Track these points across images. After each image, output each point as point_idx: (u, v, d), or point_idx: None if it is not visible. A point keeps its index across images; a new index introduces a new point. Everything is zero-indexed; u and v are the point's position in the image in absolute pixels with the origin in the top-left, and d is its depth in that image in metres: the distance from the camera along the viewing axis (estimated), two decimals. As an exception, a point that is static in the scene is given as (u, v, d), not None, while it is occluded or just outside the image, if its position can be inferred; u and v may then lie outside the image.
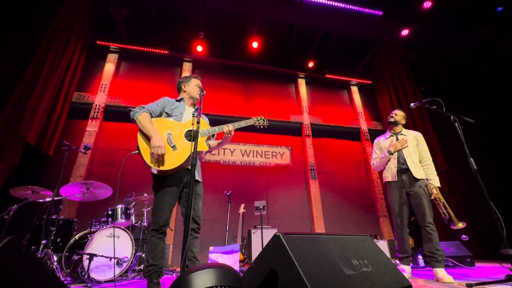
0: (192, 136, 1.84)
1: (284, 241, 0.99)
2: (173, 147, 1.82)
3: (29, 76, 4.03)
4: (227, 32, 6.22)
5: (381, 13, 5.42)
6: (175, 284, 0.91)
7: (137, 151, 1.83)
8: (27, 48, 4.31)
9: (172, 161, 1.79)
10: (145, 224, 3.54)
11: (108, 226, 2.96)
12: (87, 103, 5.10)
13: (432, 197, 2.61)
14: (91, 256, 2.55)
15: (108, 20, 5.50)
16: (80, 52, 5.11)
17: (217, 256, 3.45)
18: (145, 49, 5.70)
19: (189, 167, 1.82)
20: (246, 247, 4.23)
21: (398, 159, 2.75)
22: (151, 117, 1.93)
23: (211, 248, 3.59)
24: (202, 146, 1.90)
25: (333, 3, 5.24)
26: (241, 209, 4.32)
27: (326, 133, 6.34)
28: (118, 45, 5.59)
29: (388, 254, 4.21)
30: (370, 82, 7.04)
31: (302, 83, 6.73)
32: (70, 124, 4.93)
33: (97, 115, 5.00)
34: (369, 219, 5.63)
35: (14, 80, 4.01)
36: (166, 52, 5.78)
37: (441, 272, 2.31)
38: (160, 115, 2.03)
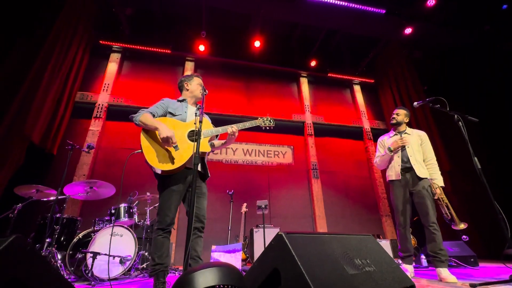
0: (194, 136, 1.85)
1: (286, 240, 0.99)
2: (176, 147, 1.82)
3: (33, 76, 4.06)
4: (229, 31, 6.22)
5: (384, 11, 5.38)
6: (178, 283, 0.92)
7: (140, 151, 1.84)
8: (31, 48, 4.34)
9: (174, 161, 1.79)
10: (148, 223, 3.55)
11: (111, 224, 2.98)
12: (90, 103, 5.13)
13: (436, 197, 2.59)
14: (95, 254, 2.57)
15: (111, 20, 5.53)
16: (83, 52, 5.14)
17: (219, 255, 3.46)
18: (148, 48, 5.72)
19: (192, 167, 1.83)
20: (248, 246, 4.24)
21: (401, 158, 2.73)
22: (154, 117, 1.93)
23: (213, 247, 3.60)
24: (205, 147, 1.89)
25: (336, 1, 5.21)
26: (243, 208, 4.32)
27: (328, 132, 6.32)
28: (121, 44, 5.61)
29: (390, 253, 4.19)
30: (373, 81, 7.00)
31: (304, 82, 6.71)
32: (74, 124, 4.97)
33: (100, 115, 5.03)
34: (371, 219, 5.61)
35: (18, 80, 4.05)
36: (169, 51, 5.79)
37: (444, 272, 2.30)
38: (163, 116, 2.02)
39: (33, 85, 4.01)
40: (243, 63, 6.31)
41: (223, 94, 6.00)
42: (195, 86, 2.20)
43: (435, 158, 2.74)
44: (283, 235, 1.01)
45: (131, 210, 3.26)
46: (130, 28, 5.67)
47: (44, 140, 4.23)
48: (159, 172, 1.79)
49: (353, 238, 1.27)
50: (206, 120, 2.06)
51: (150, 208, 3.70)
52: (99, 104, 5.11)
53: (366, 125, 6.49)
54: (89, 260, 2.56)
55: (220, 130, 2.00)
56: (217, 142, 2.20)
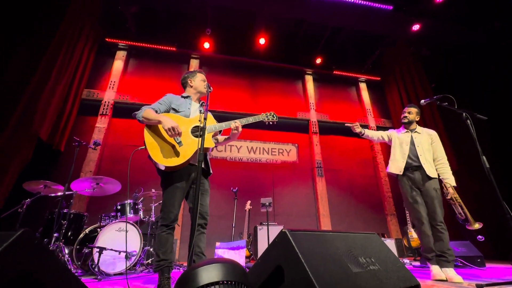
0: (199, 132, 1.85)
1: (290, 238, 0.99)
2: (179, 143, 1.83)
3: (40, 73, 4.12)
4: (234, 29, 6.20)
5: (391, 7, 5.29)
6: (182, 278, 0.92)
7: (143, 147, 1.85)
8: (38, 46, 4.39)
9: (178, 157, 1.80)
10: (153, 219, 3.59)
11: (117, 220, 3.02)
12: (96, 100, 5.18)
13: (448, 197, 2.55)
14: (101, 249, 2.61)
15: (117, 18, 5.56)
16: (89, 50, 5.19)
17: (223, 252, 3.48)
18: (153, 46, 5.75)
19: (196, 163, 1.84)
20: (252, 243, 4.25)
21: (409, 156, 2.70)
22: (157, 113, 1.93)
23: (217, 244, 3.62)
24: (209, 142, 1.90)
25: (342, -2, 5.15)
26: (247, 206, 4.34)
27: (333, 130, 6.28)
28: (127, 42, 5.65)
29: (395, 253, 4.16)
30: (379, 78, 6.92)
31: (309, 79, 6.66)
32: (80, 121, 5.03)
33: (106, 112, 5.08)
34: (376, 218, 5.57)
35: (26, 78, 4.10)
36: (174, 49, 5.81)
37: (450, 272, 2.27)
38: (167, 112, 2.03)
39: (41, 82, 4.07)
40: (247, 60, 6.29)
41: (228, 91, 6.00)
42: (198, 82, 2.20)
43: (445, 158, 2.70)
44: (287, 232, 1.01)
45: (136, 207, 3.30)
46: (136, 25, 5.70)
47: (51, 137, 4.30)
48: (163, 168, 1.80)
49: (357, 236, 1.26)
50: (210, 115, 2.06)
51: (155, 204, 3.74)
52: (105, 102, 5.16)
53: (372, 123, 6.43)
54: (96, 255, 2.60)
55: (224, 125, 2.00)
56: (220, 138, 2.20)
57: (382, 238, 4.50)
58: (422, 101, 2.72)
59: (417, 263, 3.71)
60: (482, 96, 6.00)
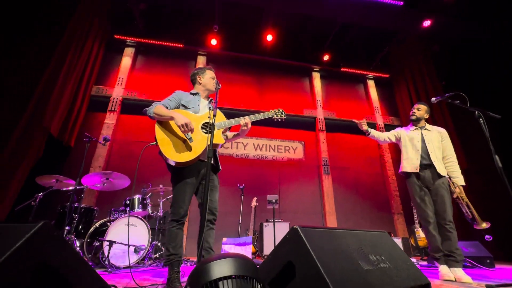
0: (208, 128, 1.87)
1: (302, 234, 0.99)
2: (190, 139, 1.85)
3: (51, 70, 4.19)
4: (241, 25, 6.17)
5: (402, 3, 5.19)
6: (195, 272, 0.94)
7: (154, 143, 1.88)
8: (49, 43, 4.46)
9: (189, 153, 1.82)
10: (161, 214, 3.65)
11: (126, 215, 3.08)
12: (105, 96, 5.25)
13: (454, 196, 2.52)
14: (111, 243, 2.67)
15: (125, 15, 5.59)
16: (98, 46, 5.24)
17: (230, 247, 3.52)
18: (161, 42, 5.77)
19: (206, 159, 1.85)
20: (258, 240, 4.28)
21: (421, 153, 2.66)
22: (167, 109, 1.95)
23: (224, 240, 3.66)
24: (219, 138, 1.91)
25: (351, -7, 5.07)
26: (254, 203, 4.36)
27: (340, 127, 6.23)
28: (135, 39, 5.69)
29: (402, 252, 4.13)
30: (387, 75, 6.81)
31: (316, 76, 6.61)
32: (89, 117, 5.11)
33: (114, 108, 5.14)
34: (383, 216, 5.53)
35: (37, 74, 4.18)
36: (181, 45, 5.82)
37: (459, 272, 2.25)
38: (176, 108, 2.04)
39: (51, 78, 4.14)
40: (255, 57, 6.27)
41: (235, 88, 6.00)
42: (207, 79, 2.21)
43: (455, 156, 2.66)
44: (298, 228, 1.01)
45: (144, 202, 3.35)
46: (144, 22, 5.73)
47: (62, 133, 4.38)
48: (173, 164, 1.82)
49: (368, 234, 1.26)
50: (219, 112, 2.07)
51: (163, 200, 3.79)
52: (113, 98, 5.22)
53: (380, 121, 6.35)
54: (106, 248, 2.66)
55: (233, 122, 2.01)
56: (229, 134, 2.21)
57: (389, 237, 4.47)
58: (433, 98, 2.67)
59: (424, 263, 3.69)
60: (494, 94, 5.85)
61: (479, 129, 2.23)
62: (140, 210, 3.27)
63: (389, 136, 2.95)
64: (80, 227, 3.05)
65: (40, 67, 4.19)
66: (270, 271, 1.08)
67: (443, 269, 2.35)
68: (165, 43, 5.79)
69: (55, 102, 4.13)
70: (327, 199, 5.33)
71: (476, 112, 2.29)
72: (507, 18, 5.43)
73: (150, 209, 3.46)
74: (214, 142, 1.80)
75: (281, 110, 2.25)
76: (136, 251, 2.92)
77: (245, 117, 2.04)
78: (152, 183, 3.91)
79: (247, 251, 3.33)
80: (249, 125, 2.03)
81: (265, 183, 5.30)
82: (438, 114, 5.70)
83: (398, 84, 6.64)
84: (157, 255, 3.43)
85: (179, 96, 2.09)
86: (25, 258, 0.75)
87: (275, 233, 3.80)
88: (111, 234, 2.81)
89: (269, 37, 5.89)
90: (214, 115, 1.63)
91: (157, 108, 1.87)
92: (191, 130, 1.81)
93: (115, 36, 5.61)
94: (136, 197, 3.30)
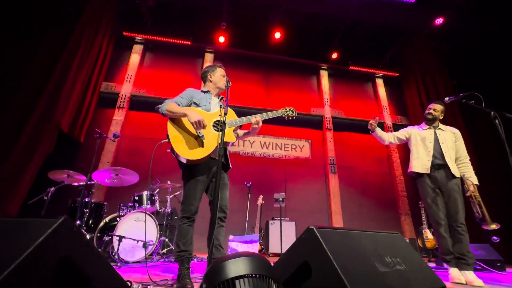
0: (219, 126, 1.87)
1: (318, 234, 0.99)
2: (202, 136, 1.85)
3: (61, 67, 4.23)
4: (249, 23, 6.14)
5: (413, 0, 5.09)
6: (211, 270, 0.94)
7: (166, 140, 1.88)
8: (59, 41, 4.50)
9: (200, 151, 1.82)
10: (169, 210, 3.68)
11: (135, 210, 3.11)
12: (114, 93, 5.30)
13: (468, 194, 2.48)
14: (121, 238, 2.70)
15: (134, 12, 5.61)
16: (107, 43, 5.28)
17: (236, 245, 3.53)
18: (169, 40, 5.78)
19: (217, 157, 1.86)
20: (264, 237, 4.29)
21: (433, 154, 2.62)
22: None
23: (231, 237, 3.67)
24: (230, 137, 1.91)
25: (362, -10, 4.99)
26: (260, 201, 4.36)
27: (348, 126, 6.18)
28: (143, 36, 5.71)
29: (409, 253, 4.09)
30: (397, 74, 6.71)
31: (324, 75, 6.55)
32: (99, 113, 5.16)
33: (123, 105, 5.19)
34: (390, 217, 5.48)
35: (48, 71, 4.23)
36: (189, 43, 5.83)
37: (470, 275, 2.21)
38: (188, 106, 2.05)
39: (62, 74, 4.19)
40: (262, 55, 6.24)
41: (242, 86, 5.98)
42: (218, 77, 2.21)
43: (468, 157, 2.62)
44: (315, 229, 1.01)
45: (153, 198, 3.38)
46: (152, 19, 5.75)
47: (72, 128, 4.44)
48: (185, 161, 1.83)
49: (383, 235, 1.24)
50: (230, 110, 2.07)
51: (171, 196, 3.82)
52: (122, 95, 5.26)
53: (388, 120, 6.27)
54: (116, 243, 2.70)
55: (244, 120, 2.01)
56: (240, 132, 2.22)
57: (396, 237, 4.43)
58: (447, 98, 2.62)
59: (433, 264, 3.64)
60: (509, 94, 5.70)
61: (491, 130, 2.18)
62: (148, 206, 3.30)
63: (397, 136, 2.88)
64: (90, 221, 3.09)
65: (52, 62, 4.23)
66: (285, 270, 1.08)
67: (453, 271, 2.31)
68: (173, 40, 5.80)
69: (66, 98, 4.18)
70: (333, 198, 5.30)
71: (492, 112, 2.24)
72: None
73: (158, 205, 3.49)
74: (225, 140, 1.80)
75: (292, 109, 2.24)
76: (145, 246, 2.96)
77: (256, 115, 2.04)
78: (160, 179, 3.94)
79: (254, 248, 3.35)
80: (260, 124, 2.03)
81: (271, 181, 5.29)
82: (449, 114, 5.59)
83: (407, 83, 6.53)
84: (164, 250, 3.46)
85: (191, 94, 2.09)
86: (48, 253, 0.76)
87: (281, 231, 3.80)
88: (120, 229, 2.85)
89: (277, 35, 5.86)
90: (225, 113, 1.63)
91: (170, 105, 1.88)
92: (204, 127, 1.81)
93: (124, 33, 5.65)
94: (145, 193, 3.33)
